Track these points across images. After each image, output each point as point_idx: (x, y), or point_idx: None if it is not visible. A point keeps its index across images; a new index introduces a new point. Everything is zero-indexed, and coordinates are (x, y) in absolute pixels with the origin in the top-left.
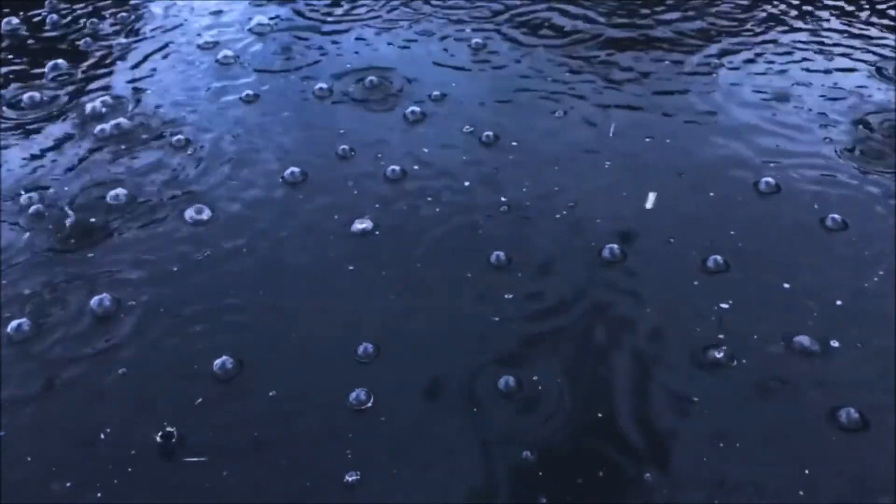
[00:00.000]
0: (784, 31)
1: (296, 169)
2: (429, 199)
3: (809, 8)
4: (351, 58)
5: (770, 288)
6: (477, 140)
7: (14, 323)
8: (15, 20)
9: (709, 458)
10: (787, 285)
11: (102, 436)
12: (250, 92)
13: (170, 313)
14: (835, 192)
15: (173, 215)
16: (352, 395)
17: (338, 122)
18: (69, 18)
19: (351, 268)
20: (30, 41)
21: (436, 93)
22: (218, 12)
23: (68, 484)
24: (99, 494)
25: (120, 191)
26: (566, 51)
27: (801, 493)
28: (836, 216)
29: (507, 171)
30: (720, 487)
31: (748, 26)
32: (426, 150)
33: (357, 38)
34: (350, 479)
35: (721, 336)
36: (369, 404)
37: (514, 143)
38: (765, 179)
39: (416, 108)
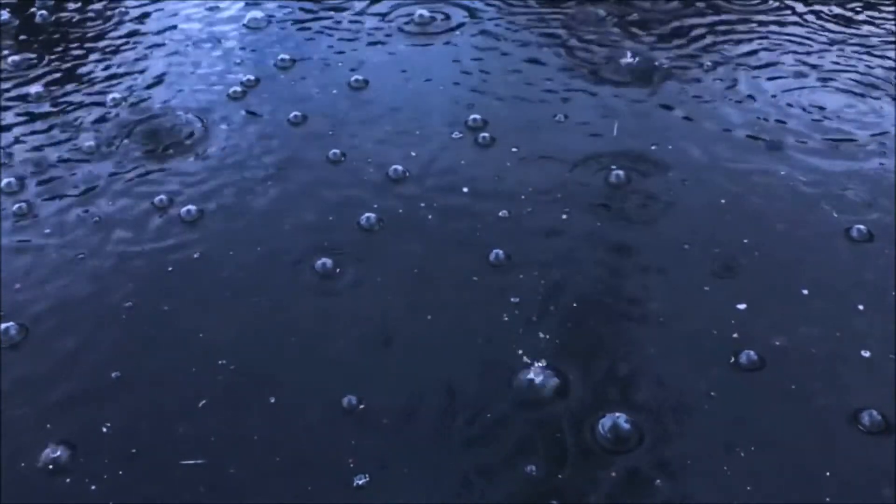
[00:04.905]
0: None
1: None
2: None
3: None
4: None
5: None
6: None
7: None
8: (5, 14)
9: (724, 460)
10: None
11: (104, 429)
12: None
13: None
14: (857, 199)
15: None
16: (345, 399)
17: None
18: (60, 15)
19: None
20: (21, 36)
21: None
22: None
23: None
24: (93, 487)
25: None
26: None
27: (827, 499)
28: (861, 226)
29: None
30: (736, 489)
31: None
32: None
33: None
34: (360, 482)
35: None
36: (367, 406)
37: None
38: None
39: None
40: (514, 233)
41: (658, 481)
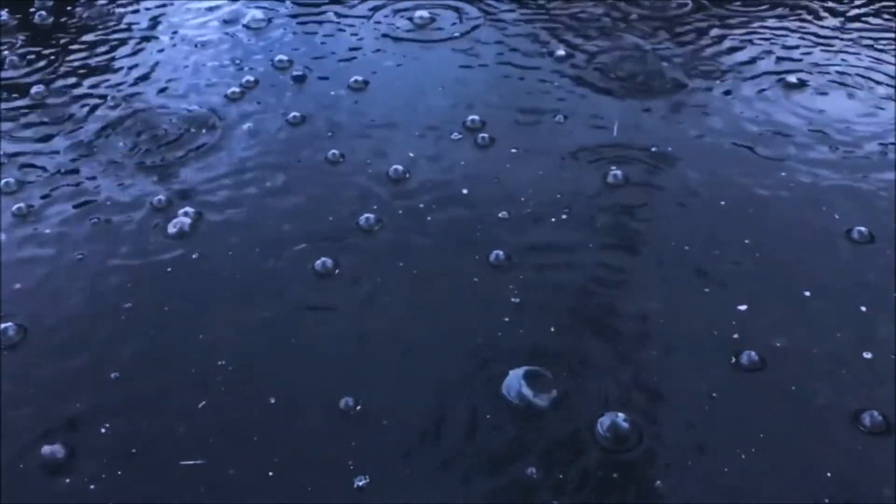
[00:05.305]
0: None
1: None
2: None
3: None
4: None
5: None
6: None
7: None
8: (5, 14)
9: (724, 460)
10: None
11: (103, 430)
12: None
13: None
14: (859, 201)
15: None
16: (345, 400)
17: None
18: (59, 15)
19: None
20: (21, 36)
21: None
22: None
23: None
24: (93, 487)
25: None
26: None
27: (826, 499)
28: (861, 228)
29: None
30: (736, 489)
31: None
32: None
33: None
34: (360, 483)
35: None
36: (367, 407)
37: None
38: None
39: None
40: (514, 233)
41: (658, 481)
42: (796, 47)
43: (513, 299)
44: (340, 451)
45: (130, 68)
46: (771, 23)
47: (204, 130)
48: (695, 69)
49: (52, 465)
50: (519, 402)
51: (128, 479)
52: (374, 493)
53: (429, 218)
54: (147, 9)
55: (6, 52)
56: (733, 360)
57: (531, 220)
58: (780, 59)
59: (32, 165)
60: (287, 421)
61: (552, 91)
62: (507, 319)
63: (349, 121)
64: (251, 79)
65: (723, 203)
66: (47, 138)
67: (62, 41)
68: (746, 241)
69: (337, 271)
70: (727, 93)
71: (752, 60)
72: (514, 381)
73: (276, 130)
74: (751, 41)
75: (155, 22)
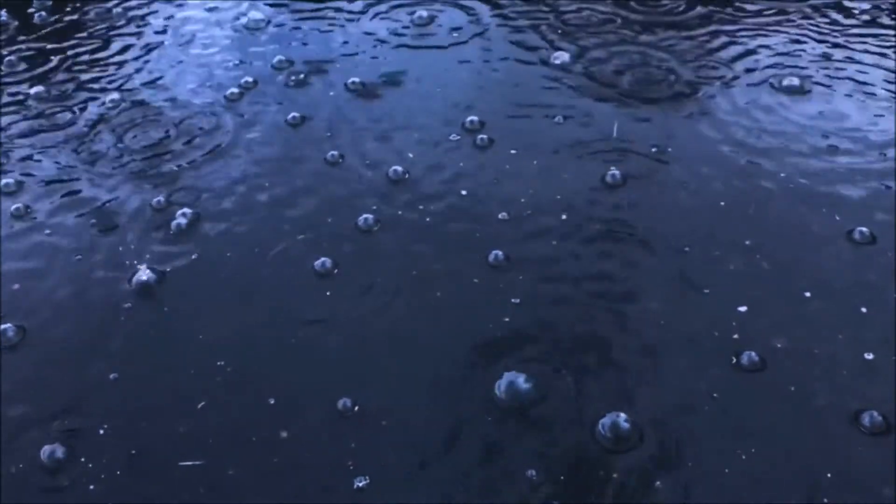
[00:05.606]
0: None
1: None
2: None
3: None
4: None
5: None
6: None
7: None
8: (4, 14)
9: (724, 460)
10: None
11: (101, 431)
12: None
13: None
14: (860, 202)
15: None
16: (344, 401)
17: None
18: (59, 16)
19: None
20: (20, 36)
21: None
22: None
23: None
24: (93, 487)
25: None
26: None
27: (825, 499)
28: (863, 229)
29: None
30: (736, 489)
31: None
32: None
33: None
34: (360, 483)
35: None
36: (366, 408)
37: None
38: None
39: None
40: (514, 234)
41: (658, 481)
42: (799, 50)
43: (513, 299)
44: (340, 451)
45: (129, 68)
46: (774, 25)
47: (203, 131)
48: (697, 70)
49: (51, 465)
50: (509, 397)
51: (128, 480)
52: (374, 493)
53: (428, 218)
54: (147, 9)
55: (5, 53)
56: (734, 360)
57: (531, 220)
58: (782, 61)
59: (31, 166)
60: (287, 421)
61: (551, 92)
62: (507, 319)
63: (348, 121)
64: (250, 79)
65: (723, 203)
66: (46, 139)
67: (62, 41)
68: (747, 242)
69: (336, 271)
70: (729, 94)
71: (755, 62)
72: (510, 380)
73: (275, 131)
74: (754, 43)
75: (154, 22)
